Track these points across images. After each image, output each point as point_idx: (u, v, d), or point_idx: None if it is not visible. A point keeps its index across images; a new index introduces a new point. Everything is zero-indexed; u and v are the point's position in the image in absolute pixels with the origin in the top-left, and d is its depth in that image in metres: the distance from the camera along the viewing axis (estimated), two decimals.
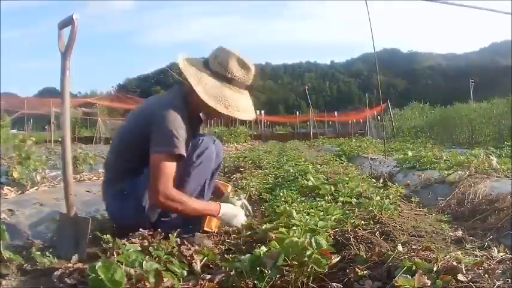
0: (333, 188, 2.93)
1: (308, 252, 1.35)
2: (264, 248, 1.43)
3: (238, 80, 1.88)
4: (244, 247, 1.90)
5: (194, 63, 1.89)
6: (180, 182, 1.87)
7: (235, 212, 2.04)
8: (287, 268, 1.37)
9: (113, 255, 1.41)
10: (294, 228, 1.81)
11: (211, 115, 2.11)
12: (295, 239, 1.40)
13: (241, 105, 1.89)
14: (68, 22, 1.60)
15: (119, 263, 1.23)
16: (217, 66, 1.86)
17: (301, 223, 1.83)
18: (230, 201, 2.09)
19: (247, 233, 2.12)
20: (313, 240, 1.38)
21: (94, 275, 1.13)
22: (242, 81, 1.90)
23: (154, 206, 1.83)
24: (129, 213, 1.88)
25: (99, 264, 1.17)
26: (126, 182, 1.92)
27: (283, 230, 1.89)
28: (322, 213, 2.16)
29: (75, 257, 1.45)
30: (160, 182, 1.73)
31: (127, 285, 1.20)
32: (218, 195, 2.21)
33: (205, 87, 1.80)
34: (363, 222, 2.08)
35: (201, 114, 2.07)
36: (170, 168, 1.76)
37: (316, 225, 1.81)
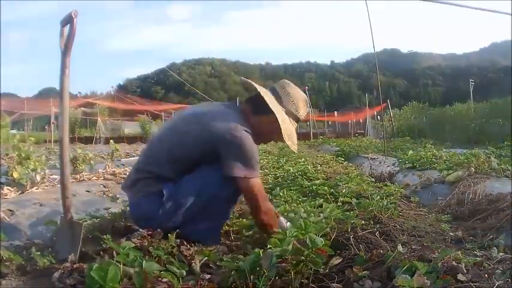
0: (332, 190, 2.93)
1: (305, 252, 1.35)
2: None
3: (301, 118, 2.11)
4: (244, 247, 1.91)
5: (269, 94, 2.04)
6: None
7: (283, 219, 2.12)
8: (286, 268, 1.37)
9: (113, 255, 1.41)
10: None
11: (266, 140, 2.20)
12: (291, 238, 1.40)
13: (295, 138, 2.10)
14: (69, 19, 1.59)
15: (117, 263, 1.23)
16: (291, 105, 2.03)
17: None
18: (281, 221, 2.10)
19: (248, 233, 2.12)
20: (308, 239, 1.38)
21: (91, 275, 1.13)
22: (302, 118, 2.12)
23: (260, 225, 1.94)
24: (156, 215, 1.85)
25: (96, 264, 1.17)
26: (159, 186, 1.89)
27: (279, 230, 1.89)
28: (322, 214, 2.16)
29: (70, 257, 1.45)
30: (261, 205, 1.88)
31: (127, 285, 1.20)
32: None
33: (284, 125, 1.97)
34: (363, 222, 2.07)
35: None
36: (259, 186, 1.91)
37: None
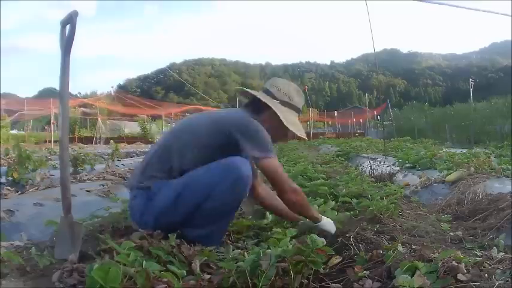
0: (332, 190, 2.93)
1: (305, 252, 1.35)
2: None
3: (299, 107, 2.17)
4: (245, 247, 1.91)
5: (262, 93, 2.12)
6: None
7: (331, 222, 2.12)
8: (286, 268, 1.37)
9: (113, 255, 1.41)
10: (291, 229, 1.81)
11: (276, 139, 2.22)
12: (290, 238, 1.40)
13: (301, 126, 2.19)
14: (69, 19, 1.59)
15: (118, 263, 1.23)
16: (284, 96, 2.10)
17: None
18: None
19: (248, 234, 2.13)
20: (309, 239, 1.38)
21: (91, 275, 1.13)
22: (300, 107, 2.20)
23: (290, 203, 1.96)
24: (159, 214, 1.84)
25: (96, 264, 1.17)
26: (167, 184, 1.88)
27: (278, 230, 1.90)
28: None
29: (70, 257, 1.45)
30: (286, 182, 1.91)
31: (127, 285, 1.20)
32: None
33: (282, 114, 2.04)
34: (363, 222, 2.07)
35: None
36: (281, 167, 1.98)
37: None
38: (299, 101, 2.16)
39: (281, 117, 2.03)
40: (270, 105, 2.03)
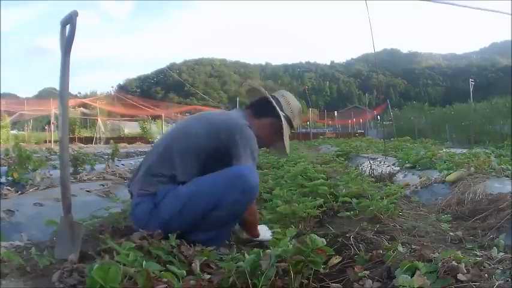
0: (332, 190, 2.93)
1: (305, 252, 1.35)
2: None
3: (295, 126, 2.26)
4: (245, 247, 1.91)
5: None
6: None
7: (266, 230, 2.17)
8: (286, 268, 1.37)
9: (113, 255, 1.41)
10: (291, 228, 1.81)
11: (263, 145, 2.25)
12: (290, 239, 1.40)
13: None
14: (69, 19, 1.59)
15: (118, 263, 1.23)
16: (289, 112, 2.17)
17: None
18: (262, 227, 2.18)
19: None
20: (309, 239, 1.38)
21: (91, 275, 1.13)
22: (295, 127, 2.29)
23: (249, 223, 2.06)
24: (160, 219, 1.82)
25: (96, 264, 1.17)
26: (167, 188, 1.87)
27: (278, 230, 1.90)
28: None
29: (70, 257, 1.45)
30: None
31: (127, 285, 1.20)
32: None
33: (285, 129, 2.12)
34: (362, 222, 2.08)
35: None
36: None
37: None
38: (298, 121, 2.26)
39: (284, 132, 2.12)
40: (281, 116, 2.10)
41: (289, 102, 2.18)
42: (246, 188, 1.82)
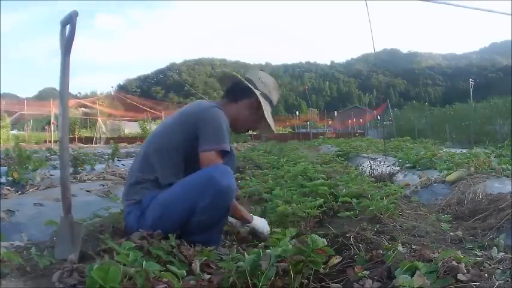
0: (332, 190, 2.93)
1: (305, 252, 1.35)
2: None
3: (274, 101, 2.20)
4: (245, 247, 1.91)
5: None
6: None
7: (264, 223, 2.12)
8: (286, 268, 1.37)
9: (113, 255, 1.41)
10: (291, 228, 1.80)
11: (245, 128, 2.20)
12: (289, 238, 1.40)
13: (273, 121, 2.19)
14: (69, 19, 1.59)
15: (117, 263, 1.23)
16: (264, 88, 2.12)
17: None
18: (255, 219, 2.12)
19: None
20: (309, 239, 1.38)
21: (91, 275, 1.13)
22: (275, 101, 2.21)
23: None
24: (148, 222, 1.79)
25: (96, 264, 1.17)
26: (152, 194, 1.85)
27: (278, 230, 1.89)
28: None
29: (70, 257, 1.45)
30: None
31: (127, 285, 1.20)
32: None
33: (264, 106, 2.07)
34: (363, 222, 2.07)
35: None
36: (220, 164, 1.88)
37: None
38: (276, 95, 2.19)
39: (265, 110, 2.07)
40: (257, 93, 2.05)
41: (261, 78, 2.14)
42: (217, 190, 1.74)
